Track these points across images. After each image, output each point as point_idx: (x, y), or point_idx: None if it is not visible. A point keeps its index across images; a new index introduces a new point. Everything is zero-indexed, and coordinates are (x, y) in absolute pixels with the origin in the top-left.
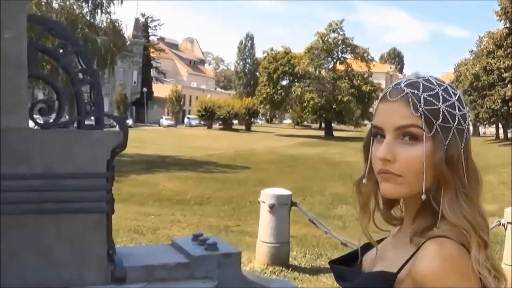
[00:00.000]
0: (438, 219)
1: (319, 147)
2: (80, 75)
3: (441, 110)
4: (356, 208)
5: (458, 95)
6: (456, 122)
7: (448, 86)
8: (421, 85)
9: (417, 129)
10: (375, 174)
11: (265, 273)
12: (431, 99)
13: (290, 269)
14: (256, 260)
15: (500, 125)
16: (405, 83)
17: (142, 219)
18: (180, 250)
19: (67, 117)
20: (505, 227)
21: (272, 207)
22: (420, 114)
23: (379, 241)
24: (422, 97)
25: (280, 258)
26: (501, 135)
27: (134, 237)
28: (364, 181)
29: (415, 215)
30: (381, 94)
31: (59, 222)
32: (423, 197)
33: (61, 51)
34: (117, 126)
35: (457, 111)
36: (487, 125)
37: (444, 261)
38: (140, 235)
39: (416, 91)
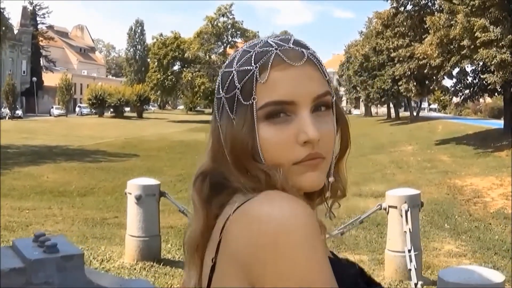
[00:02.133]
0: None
1: None
2: None
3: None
4: None
5: None
6: None
7: None
8: (305, 43)
9: (329, 96)
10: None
11: (135, 269)
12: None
13: (161, 264)
14: (125, 256)
15: (391, 105)
16: (292, 42)
17: (16, 215)
18: (18, 253)
19: None
20: (387, 211)
21: (138, 199)
22: (327, 78)
23: None
24: (317, 57)
25: (150, 252)
26: (393, 114)
27: (3, 234)
28: None
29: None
30: (261, 58)
31: None
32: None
33: None
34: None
35: None
36: (378, 105)
37: None
38: (10, 232)
39: (311, 51)
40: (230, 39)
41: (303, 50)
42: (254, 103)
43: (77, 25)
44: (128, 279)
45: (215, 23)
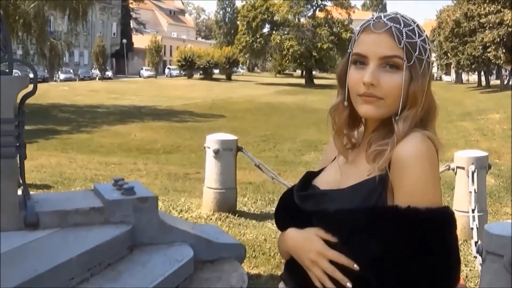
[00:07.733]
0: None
1: (299, 95)
2: None
3: (417, 44)
4: (331, 132)
5: (425, 32)
6: (427, 55)
7: (418, 24)
8: (401, 21)
9: (399, 59)
10: (351, 98)
11: (211, 219)
12: (410, 34)
13: (236, 215)
14: (203, 207)
15: (482, 72)
16: (387, 18)
17: (102, 169)
18: (98, 195)
19: None
20: (455, 171)
21: (216, 153)
22: (402, 46)
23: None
24: (404, 31)
25: (226, 204)
26: (483, 82)
27: (88, 186)
28: (346, 103)
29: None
30: (362, 25)
31: None
32: (396, 118)
33: None
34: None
35: (427, 46)
36: (469, 72)
37: (429, 146)
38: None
39: (398, 25)
40: (320, 2)
41: (390, 23)
42: (350, 52)
43: None
44: (200, 224)
45: None
